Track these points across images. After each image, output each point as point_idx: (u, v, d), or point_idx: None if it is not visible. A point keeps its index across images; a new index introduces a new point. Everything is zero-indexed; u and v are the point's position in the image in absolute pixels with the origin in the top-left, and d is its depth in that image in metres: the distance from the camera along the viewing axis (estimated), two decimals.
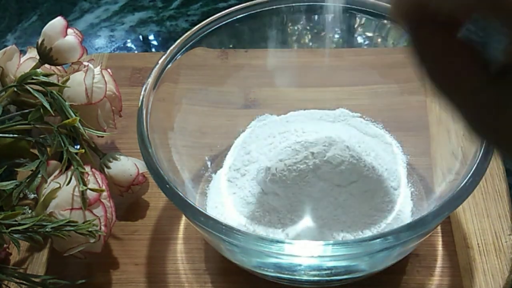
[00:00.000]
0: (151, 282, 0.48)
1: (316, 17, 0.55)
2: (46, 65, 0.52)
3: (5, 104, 0.49)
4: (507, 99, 0.21)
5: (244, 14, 0.51)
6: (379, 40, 0.54)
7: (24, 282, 0.44)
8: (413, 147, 0.52)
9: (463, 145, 0.45)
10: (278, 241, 0.38)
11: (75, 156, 0.45)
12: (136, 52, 0.74)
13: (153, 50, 0.76)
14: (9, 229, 0.42)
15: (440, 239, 0.49)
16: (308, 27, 0.56)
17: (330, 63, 0.57)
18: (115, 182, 0.50)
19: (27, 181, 0.46)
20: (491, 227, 0.49)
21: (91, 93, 0.49)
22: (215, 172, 0.52)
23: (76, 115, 0.46)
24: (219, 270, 0.48)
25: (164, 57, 0.48)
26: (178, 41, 0.49)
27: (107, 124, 0.51)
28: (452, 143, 0.47)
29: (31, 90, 0.47)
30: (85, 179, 0.45)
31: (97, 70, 0.50)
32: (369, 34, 0.55)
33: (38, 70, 0.49)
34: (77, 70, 0.51)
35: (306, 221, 0.46)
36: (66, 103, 0.47)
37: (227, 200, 0.49)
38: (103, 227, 0.45)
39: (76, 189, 0.44)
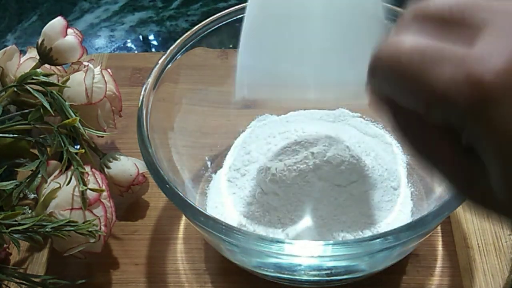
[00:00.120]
0: (151, 282, 0.48)
1: None
2: (46, 65, 0.52)
3: (5, 104, 0.49)
4: (477, 171, 0.23)
5: (244, 14, 0.50)
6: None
7: (24, 282, 0.44)
8: None
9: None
10: (278, 241, 0.38)
11: (75, 156, 0.45)
12: (136, 52, 0.74)
13: (153, 50, 0.76)
14: (9, 229, 0.42)
15: (440, 239, 0.49)
16: None
17: None
18: (115, 182, 0.50)
19: (27, 181, 0.46)
20: (491, 227, 0.49)
21: (91, 93, 0.49)
22: (215, 172, 0.52)
23: (76, 115, 0.46)
24: (219, 270, 0.48)
25: (164, 57, 0.48)
26: (178, 41, 0.49)
27: (107, 124, 0.51)
28: None
29: (31, 90, 0.47)
30: (85, 179, 0.45)
31: (97, 70, 0.50)
32: None
33: (38, 70, 0.49)
34: (77, 70, 0.51)
35: (306, 221, 0.46)
36: (66, 103, 0.47)
37: (227, 200, 0.49)
38: (103, 227, 0.45)
39: (76, 189, 0.44)
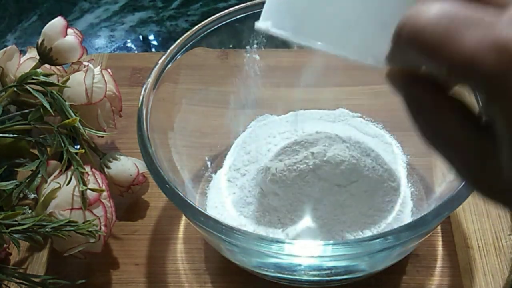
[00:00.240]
0: (151, 282, 0.48)
1: None
2: (46, 65, 0.52)
3: (5, 104, 0.49)
4: (488, 152, 0.23)
5: (244, 14, 0.50)
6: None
7: (24, 282, 0.44)
8: (413, 147, 0.52)
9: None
10: (278, 241, 0.38)
11: (75, 156, 0.45)
12: (136, 52, 0.74)
13: (153, 50, 0.76)
14: (9, 229, 0.42)
15: (440, 239, 0.49)
16: None
17: (330, 63, 0.57)
18: (115, 182, 0.50)
19: (27, 181, 0.46)
20: (491, 227, 0.49)
21: (91, 93, 0.49)
22: (215, 172, 0.52)
23: (76, 115, 0.46)
24: (219, 270, 0.48)
25: (164, 57, 0.48)
26: (178, 41, 0.49)
27: (107, 124, 0.51)
28: None
29: (31, 90, 0.47)
30: (85, 179, 0.45)
31: (97, 70, 0.50)
32: None
33: (38, 70, 0.49)
34: (77, 70, 0.51)
35: (306, 221, 0.46)
36: (66, 103, 0.47)
37: (227, 200, 0.49)
38: (103, 227, 0.45)
39: (76, 189, 0.44)
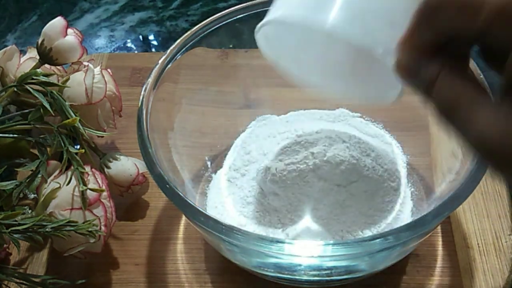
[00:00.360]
0: (151, 282, 0.48)
1: None
2: (46, 65, 0.52)
3: (5, 104, 0.49)
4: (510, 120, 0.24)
5: (244, 14, 0.50)
6: None
7: (24, 282, 0.44)
8: (413, 147, 0.52)
9: (463, 145, 0.45)
10: (278, 241, 0.38)
11: (75, 156, 0.45)
12: (136, 52, 0.74)
13: (153, 50, 0.76)
14: (9, 229, 0.42)
15: (440, 239, 0.49)
16: None
17: None
18: (115, 182, 0.50)
19: (27, 181, 0.46)
20: (491, 227, 0.49)
21: (91, 93, 0.49)
22: (215, 172, 0.52)
23: (76, 115, 0.46)
24: (219, 270, 0.48)
25: (164, 57, 0.48)
26: (178, 41, 0.49)
27: (107, 124, 0.51)
28: (452, 143, 0.47)
29: (31, 90, 0.47)
30: (85, 179, 0.45)
31: (97, 70, 0.50)
32: None
33: (38, 70, 0.49)
34: (77, 70, 0.51)
35: (306, 221, 0.46)
36: (66, 103, 0.47)
37: (227, 200, 0.49)
38: (103, 227, 0.45)
39: (76, 189, 0.44)
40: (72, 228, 0.43)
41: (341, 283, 0.45)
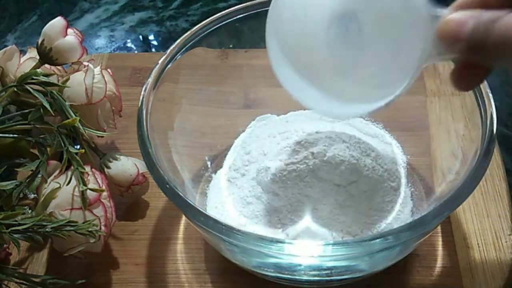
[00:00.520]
0: (151, 282, 0.48)
1: None
2: (46, 65, 0.52)
3: (5, 104, 0.49)
4: None
5: (244, 14, 0.51)
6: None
7: (24, 282, 0.44)
8: (413, 147, 0.52)
9: (463, 145, 0.45)
10: (278, 241, 0.38)
11: (75, 156, 0.45)
12: (136, 52, 0.74)
13: (153, 50, 0.76)
14: (9, 229, 0.42)
15: (440, 239, 0.49)
16: None
17: None
18: (115, 182, 0.50)
19: (27, 181, 0.46)
20: (491, 227, 0.49)
21: (91, 93, 0.49)
22: (215, 172, 0.52)
23: (76, 115, 0.46)
24: (219, 270, 0.48)
25: (164, 57, 0.48)
26: (178, 41, 0.49)
27: (107, 124, 0.51)
28: (452, 143, 0.47)
29: (31, 90, 0.47)
30: (85, 179, 0.45)
31: (97, 70, 0.50)
32: None
33: (38, 70, 0.49)
34: (77, 70, 0.51)
35: (306, 221, 0.46)
36: (66, 103, 0.47)
37: (227, 200, 0.49)
38: (103, 227, 0.45)
39: (76, 189, 0.44)
40: (72, 228, 0.43)
41: (341, 283, 0.45)
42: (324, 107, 0.40)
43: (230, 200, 0.49)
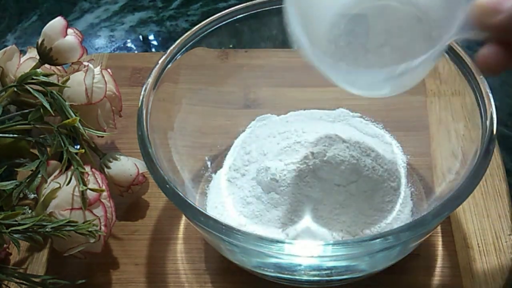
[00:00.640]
0: (151, 282, 0.48)
1: None
2: (46, 65, 0.52)
3: (5, 104, 0.49)
4: None
5: (244, 14, 0.51)
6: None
7: (24, 282, 0.44)
8: (413, 147, 0.52)
9: (463, 145, 0.45)
10: (278, 241, 0.38)
11: (75, 156, 0.45)
12: (136, 52, 0.74)
13: (153, 50, 0.76)
14: (9, 229, 0.42)
15: (440, 239, 0.49)
16: None
17: None
18: (115, 182, 0.50)
19: (27, 181, 0.46)
20: (491, 227, 0.49)
21: (91, 93, 0.49)
22: (215, 172, 0.52)
23: (76, 115, 0.46)
24: (219, 270, 0.48)
25: (164, 57, 0.48)
26: (178, 41, 0.49)
27: (107, 124, 0.51)
28: (452, 143, 0.47)
29: (31, 90, 0.47)
30: (85, 179, 0.45)
31: (97, 70, 0.50)
32: None
33: (38, 70, 0.49)
34: (77, 70, 0.51)
35: (306, 221, 0.46)
36: (66, 103, 0.47)
37: (227, 200, 0.49)
38: (103, 227, 0.45)
39: (76, 189, 0.44)
40: (72, 228, 0.43)
41: (341, 283, 0.45)
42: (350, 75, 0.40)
43: (230, 200, 0.49)
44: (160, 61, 0.47)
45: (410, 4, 0.37)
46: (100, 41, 0.75)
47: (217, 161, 0.53)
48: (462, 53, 0.45)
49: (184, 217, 0.51)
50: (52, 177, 0.46)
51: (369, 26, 0.40)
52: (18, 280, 0.45)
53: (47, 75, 0.48)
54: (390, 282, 0.46)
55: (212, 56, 0.53)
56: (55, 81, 0.49)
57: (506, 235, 0.48)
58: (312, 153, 0.46)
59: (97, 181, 0.46)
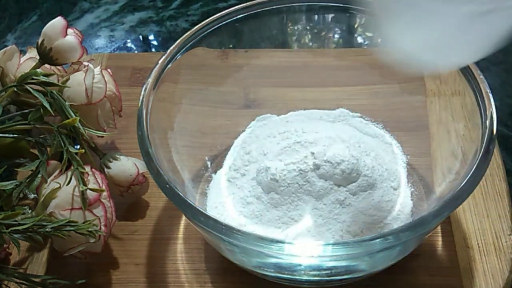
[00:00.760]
0: (151, 282, 0.48)
1: (316, 17, 0.55)
2: (46, 65, 0.52)
3: (5, 104, 0.49)
4: None
5: (244, 14, 0.51)
6: (379, 40, 0.54)
7: (24, 282, 0.44)
8: (413, 147, 0.52)
9: (463, 145, 0.45)
10: (278, 241, 0.38)
11: (75, 156, 0.45)
12: (136, 52, 0.74)
13: (153, 50, 0.76)
14: (9, 229, 0.42)
15: (440, 239, 0.49)
16: (308, 27, 0.56)
17: (330, 63, 0.57)
18: (115, 182, 0.50)
19: (27, 181, 0.46)
20: (491, 227, 0.49)
21: (91, 93, 0.49)
22: (215, 172, 0.52)
23: (76, 115, 0.46)
24: (219, 270, 0.48)
25: (164, 57, 0.48)
26: (178, 41, 0.49)
27: (107, 124, 0.51)
28: (452, 143, 0.47)
29: (31, 90, 0.47)
30: (85, 179, 0.45)
31: (97, 70, 0.50)
32: (369, 34, 0.55)
33: (38, 70, 0.49)
34: (77, 70, 0.51)
35: (306, 221, 0.46)
36: (66, 103, 0.47)
37: (227, 200, 0.49)
38: (103, 227, 0.45)
39: (76, 189, 0.44)
40: (72, 228, 0.43)
41: (341, 283, 0.45)
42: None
43: (230, 200, 0.49)
44: (160, 61, 0.47)
45: None
46: (100, 41, 0.75)
47: (217, 161, 0.53)
48: None
49: (184, 217, 0.51)
50: (52, 177, 0.46)
51: None
52: (18, 280, 0.45)
53: (47, 75, 0.48)
54: (390, 282, 0.46)
55: (212, 56, 0.53)
56: (55, 81, 0.49)
57: (506, 235, 0.48)
58: (312, 153, 0.46)
59: (97, 181, 0.46)
